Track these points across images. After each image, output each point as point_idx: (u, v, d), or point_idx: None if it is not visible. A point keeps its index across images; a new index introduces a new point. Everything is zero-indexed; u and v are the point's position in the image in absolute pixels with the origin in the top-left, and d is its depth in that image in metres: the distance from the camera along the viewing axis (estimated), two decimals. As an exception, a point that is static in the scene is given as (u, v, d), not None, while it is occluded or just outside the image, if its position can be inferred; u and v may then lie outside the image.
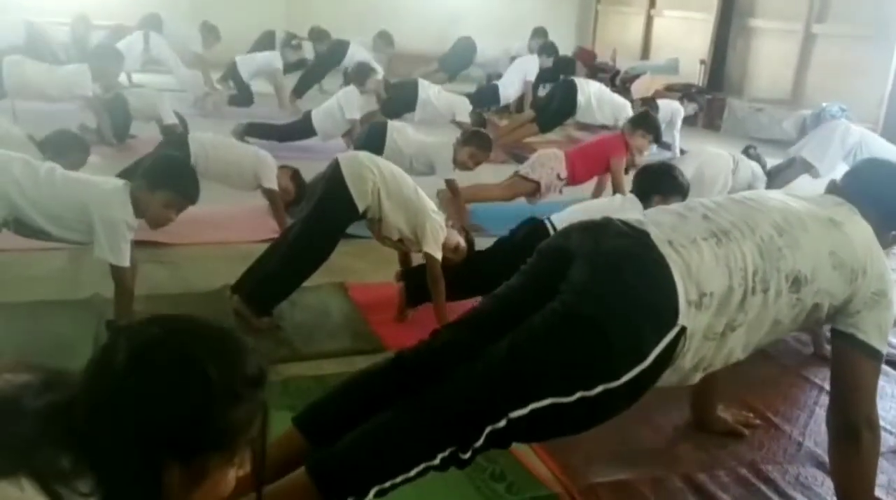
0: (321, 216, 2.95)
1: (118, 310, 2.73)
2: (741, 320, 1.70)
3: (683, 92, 7.25)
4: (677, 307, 1.62)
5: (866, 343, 1.79)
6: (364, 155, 3.11)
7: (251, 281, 2.99)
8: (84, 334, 2.78)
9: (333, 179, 2.95)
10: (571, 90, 6.71)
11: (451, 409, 1.67)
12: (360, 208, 2.92)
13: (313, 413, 1.86)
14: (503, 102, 8.07)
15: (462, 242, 3.14)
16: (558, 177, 4.73)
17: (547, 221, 3.22)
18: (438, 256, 2.99)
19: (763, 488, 2.18)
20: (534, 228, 3.23)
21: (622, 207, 3.22)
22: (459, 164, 4.45)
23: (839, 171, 5.10)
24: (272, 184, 4.17)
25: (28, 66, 5.90)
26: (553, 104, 6.90)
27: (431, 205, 3.10)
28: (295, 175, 4.30)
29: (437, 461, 1.66)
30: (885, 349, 1.83)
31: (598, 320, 1.62)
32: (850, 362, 1.82)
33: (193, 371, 1.00)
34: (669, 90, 6.64)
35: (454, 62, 9.08)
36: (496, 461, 2.15)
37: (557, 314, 1.68)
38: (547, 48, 8.82)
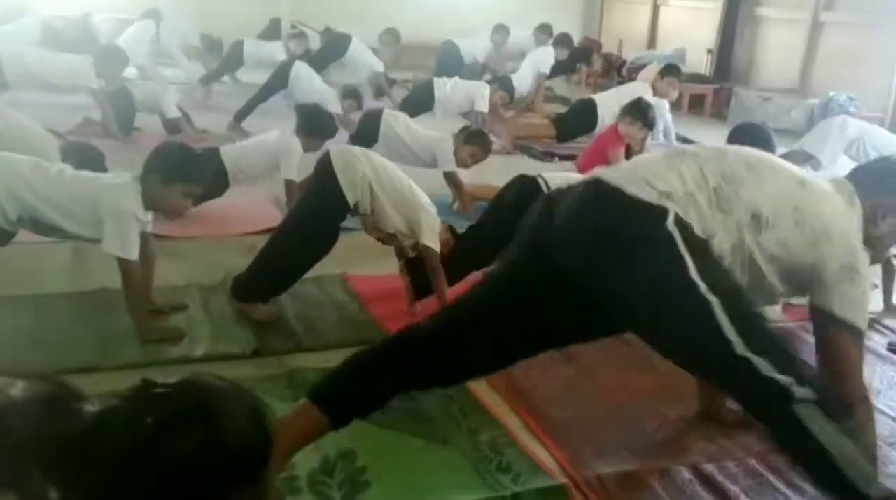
0: (306, 208, 2.98)
1: (129, 304, 2.73)
2: (713, 230, 1.69)
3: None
4: (647, 202, 1.64)
5: (844, 320, 1.77)
6: (356, 148, 3.12)
7: (241, 276, 2.98)
8: (90, 328, 2.79)
9: (323, 170, 2.95)
10: (591, 109, 6.57)
11: None
12: (350, 201, 2.91)
13: (331, 387, 1.89)
14: (517, 96, 7.99)
15: (447, 235, 3.14)
16: None
17: (540, 179, 3.25)
18: (437, 247, 2.99)
19: (772, 478, 2.16)
20: (525, 186, 3.25)
21: None
22: (459, 162, 4.50)
23: (841, 163, 5.15)
24: (291, 174, 4.15)
25: (28, 55, 5.88)
26: (572, 119, 6.85)
27: (425, 198, 3.09)
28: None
29: None
30: (864, 326, 1.80)
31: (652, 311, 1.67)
32: (832, 341, 1.80)
33: (218, 451, 0.99)
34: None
35: (448, 67, 8.90)
36: (502, 452, 2.15)
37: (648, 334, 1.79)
38: (563, 40, 8.80)
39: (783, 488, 2.12)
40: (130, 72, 6.82)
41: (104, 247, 2.64)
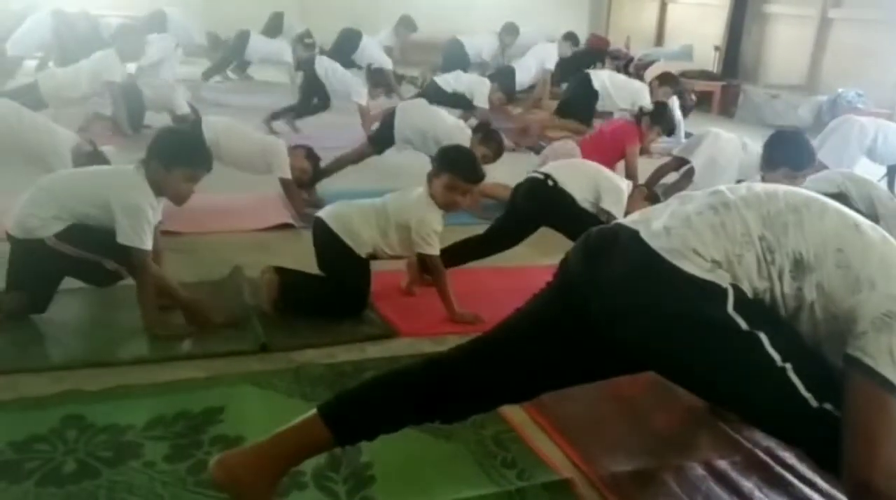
0: (333, 271, 3.05)
1: (141, 297, 2.74)
2: (764, 284, 1.62)
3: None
4: (704, 279, 1.58)
5: (874, 370, 1.47)
6: (346, 208, 3.10)
7: (294, 290, 2.99)
8: (99, 323, 2.81)
9: (325, 238, 3.02)
10: (586, 80, 6.79)
11: None
12: (363, 254, 3.02)
13: (340, 406, 1.84)
14: (518, 87, 7.99)
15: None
16: None
17: (542, 175, 3.58)
18: (435, 252, 3.04)
19: (783, 472, 2.16)
20: (532, 182, 3.59)
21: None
22: None
23: (860, 165, 5.15)
24: (285, 173, 4.20)
25: (59, 73, 5.92)
26: (571, 95, 6.95)
27: (405, 204, 3.08)
28: (309, 154, 4.36)
29: None
30: None
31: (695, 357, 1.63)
32: (858, 396, 1.51)
33: None
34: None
35: (453, 65, 8.92)
36: (508, 448, 2.15)
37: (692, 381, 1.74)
38: (569, 38, 8.78)
39: (796, 482, 2.12)
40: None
41: (119, 239, 2.65)
